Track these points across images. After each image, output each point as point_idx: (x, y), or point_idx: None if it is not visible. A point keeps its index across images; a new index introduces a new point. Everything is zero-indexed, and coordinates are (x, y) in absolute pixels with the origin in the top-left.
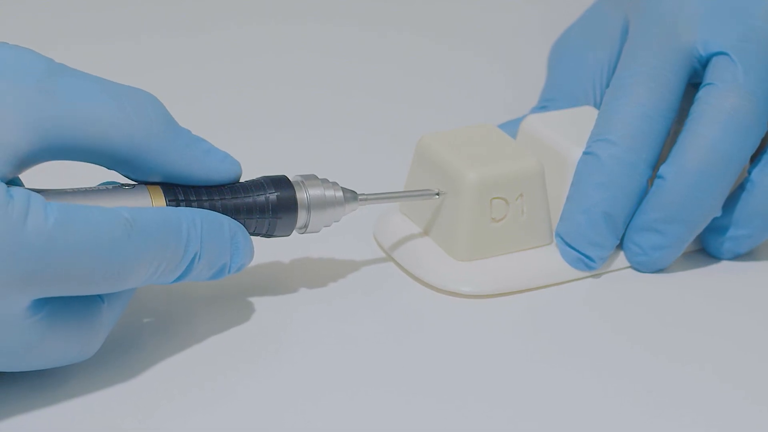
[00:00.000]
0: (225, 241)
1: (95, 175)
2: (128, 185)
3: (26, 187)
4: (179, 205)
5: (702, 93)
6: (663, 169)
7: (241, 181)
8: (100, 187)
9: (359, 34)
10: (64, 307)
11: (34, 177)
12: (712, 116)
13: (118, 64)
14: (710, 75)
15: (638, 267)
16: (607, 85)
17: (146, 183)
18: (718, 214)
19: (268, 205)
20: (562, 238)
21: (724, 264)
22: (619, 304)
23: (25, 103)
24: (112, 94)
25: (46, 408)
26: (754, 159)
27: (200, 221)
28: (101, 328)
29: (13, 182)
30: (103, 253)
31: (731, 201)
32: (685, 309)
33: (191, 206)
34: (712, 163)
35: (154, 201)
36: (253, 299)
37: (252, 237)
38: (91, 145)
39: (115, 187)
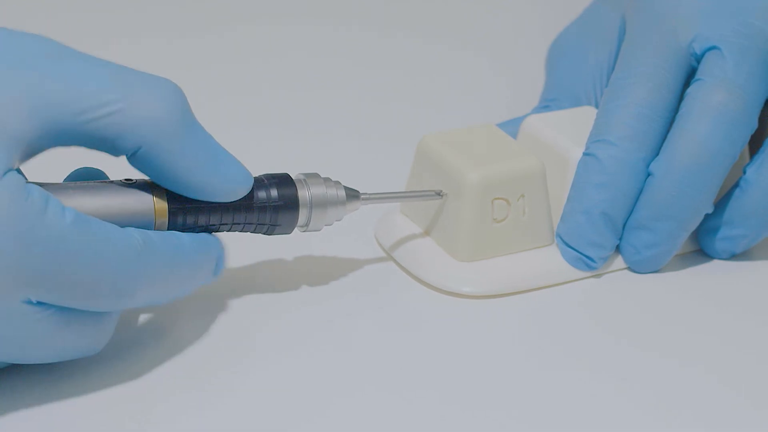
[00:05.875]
0: (213, 261)
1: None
2: (130, 180)
3: (29, 180)
4: (180, 199)
5: (691, 89)
6: (653, 166)
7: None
8: (101, 183)
9: (360, 35)
10: None
11: (34, 169)
12: (701, 112)
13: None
14: (701, 71)
15: (634, 267)
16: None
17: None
18: (710, 210)
19: (269, 202)
20: (562, 239)
21: (722, 264)
22: (620, 304)
23: (31, 90)
24: (123, 80)
25: (45, 406)
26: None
27: (197, 247)
28: (110, 320)
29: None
30: (111, 267)
31: (727, 200)
32: (685, 309)
33: (191, 200)
34: (700, 158)
35: (155, 196)
36: (253, 297)
37: (253, 234)
38: (97, 131)
39: (117, 182)
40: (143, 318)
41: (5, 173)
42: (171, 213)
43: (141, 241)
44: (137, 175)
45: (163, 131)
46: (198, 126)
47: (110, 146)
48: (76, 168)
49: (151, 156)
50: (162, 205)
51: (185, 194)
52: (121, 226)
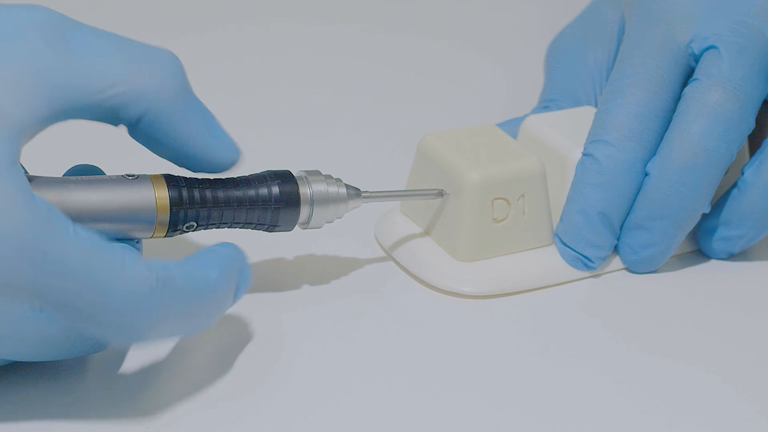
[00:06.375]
0: (236, 290)
1: (105, 152)
2: (131, 175)
3: (29, 173)
4: (181, 195)
5: (688, 89)
6: (649, 166)
7: (244, 174)
8: (102, 178)
9: (360, 34)
10: None
11: (35, 161)
12: (697, 112)
13: None
14: (698, 71)
15: (631, 267)
16: None
17: (150, 174)
18: (706, 210)
19: (270, 198)
20: (560, 239)
21: (720, 264)
22: (619, 304)
23: (35, 63)
24: (126, 50)
25: (45, 406)
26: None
27: (224, 281)
28: None
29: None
30: (115, 298)
31: (725, 201)
32: (684, 309)
33: (193, 195)
34: (696, 158)
35: (157, 192)
36: (253, 296)
37: (253, 232)
38: (102, 103)
39: (118, 177)
40: None
41: (10, 166)
42: (173, 208)
43: (155, 278)
44: (135, 170)
45: (165, 99)
46: (194, 95)
47: (113, 117)
48: (73, 165)
49: (154, 124)
50: (164, 200)
51: (184, 164)
52: (123, 222)
